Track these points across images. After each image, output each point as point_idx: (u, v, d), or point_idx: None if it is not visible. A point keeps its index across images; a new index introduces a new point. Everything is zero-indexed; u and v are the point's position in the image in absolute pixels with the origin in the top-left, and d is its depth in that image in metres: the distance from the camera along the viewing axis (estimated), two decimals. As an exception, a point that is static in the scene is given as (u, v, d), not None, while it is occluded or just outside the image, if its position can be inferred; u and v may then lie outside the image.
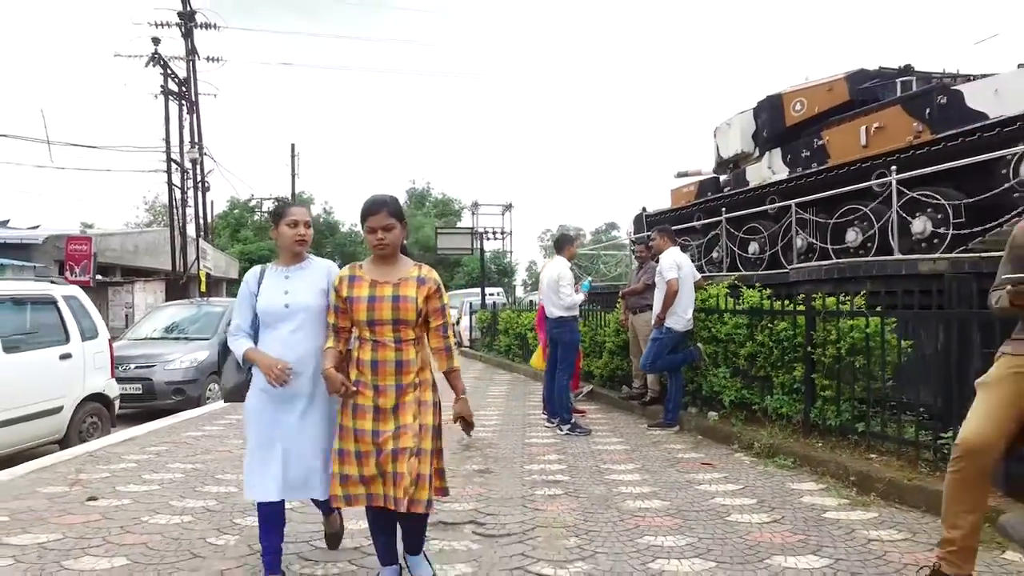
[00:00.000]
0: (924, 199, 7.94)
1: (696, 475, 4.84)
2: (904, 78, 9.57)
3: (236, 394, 3.16)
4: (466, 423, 2.99)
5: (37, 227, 21.30)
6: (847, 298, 5.38)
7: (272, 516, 2.97)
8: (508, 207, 45.32)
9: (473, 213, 43.74)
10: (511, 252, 45.88)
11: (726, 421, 6.17)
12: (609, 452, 5.66)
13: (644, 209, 15.39)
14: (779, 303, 5.94)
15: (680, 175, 16.18)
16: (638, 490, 4.47)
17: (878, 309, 4.97)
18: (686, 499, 4.24)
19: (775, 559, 3.24)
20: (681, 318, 6.43)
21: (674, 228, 12.83)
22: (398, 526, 2.91)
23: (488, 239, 41.82)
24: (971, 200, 7.45)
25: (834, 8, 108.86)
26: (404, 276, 2.82)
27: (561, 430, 6.44)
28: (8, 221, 20.85)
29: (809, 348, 5.38)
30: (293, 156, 35.24)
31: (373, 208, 2.80)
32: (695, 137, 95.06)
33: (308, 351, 2.92)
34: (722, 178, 13.23)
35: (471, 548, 3.43)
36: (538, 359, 8.16)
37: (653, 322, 6.58)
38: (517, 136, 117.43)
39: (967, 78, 9.09)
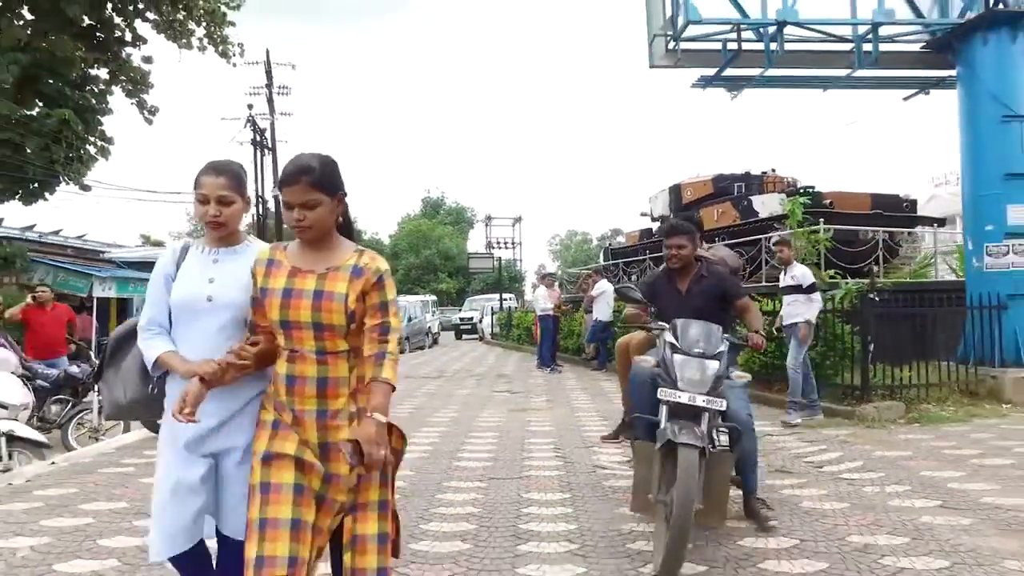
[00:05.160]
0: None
1: (597, 381, 11.08)
2: (739, 183, 15.53)
3: (130, 411, 2.36)
4: (357, 452, 1.85)
5: (84, 235, 22.36)
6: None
7: (196, 566, 2.15)
8: (518, 219, 50.62)
9: (486, 225, 48.20)
10: (520, 260, 51.36)
11: (623, 365, 12.68)
12: (565, 378, 11.95)
13: (610, 244, 21.89)
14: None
15: (643, 215, 22.61)
16: (573, 385, 10.75)
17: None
18: (591, 385, 10.49)
19: (572, 393, 9.59)
20: (605, 314, 12.88)
21: (627, 259, 19.32)
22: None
23: (500, 248, 47.30)
24: (751, 256, 13.57)
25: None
26: (335, 265, 1.99)
27: (546, 371, 12.93)
28: (85, 235, 22.44)
29: (653, 329, 11.82)
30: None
31: (288, 178, 1.96)
32: (698, 147, 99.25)
33: None
34: (654, 228, 19.59)
35: (504, 393, 9.81)
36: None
37: (592, 316, 13.08)
38: (528, 146, 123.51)
39: (781, 180, 15.42)
